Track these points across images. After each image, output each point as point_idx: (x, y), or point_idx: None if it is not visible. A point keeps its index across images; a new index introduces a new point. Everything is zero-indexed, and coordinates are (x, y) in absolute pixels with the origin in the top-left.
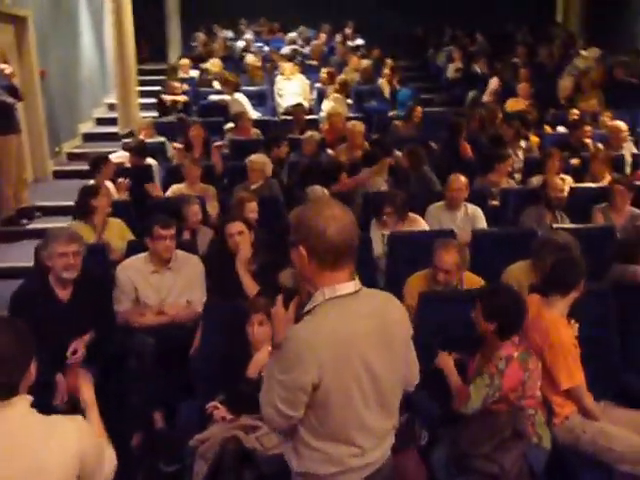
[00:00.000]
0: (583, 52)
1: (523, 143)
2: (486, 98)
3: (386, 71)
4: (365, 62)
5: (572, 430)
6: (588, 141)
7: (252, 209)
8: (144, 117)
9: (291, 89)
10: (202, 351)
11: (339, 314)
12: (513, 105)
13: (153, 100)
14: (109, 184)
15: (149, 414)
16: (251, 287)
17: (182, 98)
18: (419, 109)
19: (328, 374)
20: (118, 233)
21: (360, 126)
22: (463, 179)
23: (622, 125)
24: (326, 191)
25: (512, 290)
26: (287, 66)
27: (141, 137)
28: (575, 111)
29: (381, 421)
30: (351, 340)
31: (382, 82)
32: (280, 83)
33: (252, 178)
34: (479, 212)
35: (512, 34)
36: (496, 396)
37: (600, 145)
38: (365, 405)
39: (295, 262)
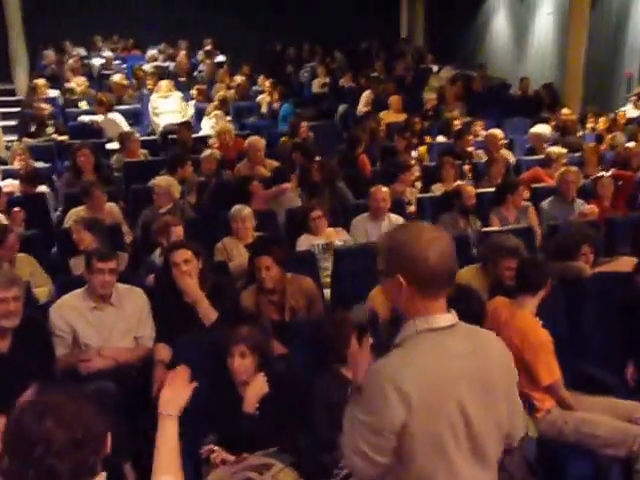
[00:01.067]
0: (431, 80)
1: (414, 153)
2: (364, 109)
3: (266, 86)
4: (239, 78)
5: (554, 422)
6: (471, 149)
7: (179, 234)
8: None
9: (168, 107)
10: None
11: (432, 350)
12: (387, 117)
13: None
14: (0, 216)
15: (119, 467)
16: (210, 314)
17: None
18: (305, 124)
19: (417, 416)
20: (28, 269)
21: (261, 142)
22: (385, 189)
23: (499, 133)
24: (249, 210)
25: (473, 293)
26: (163, 83)
27: (16, 163)
28: (457, 122)
29: (477, 473)
30: (445, 380)
31: (262, 98)
32: (156, 101)
33: (159, 202)
34: (402, 221)
35: (368, 50)
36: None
37: (480, 152)
38: (459, 454)
39: (387, 292)
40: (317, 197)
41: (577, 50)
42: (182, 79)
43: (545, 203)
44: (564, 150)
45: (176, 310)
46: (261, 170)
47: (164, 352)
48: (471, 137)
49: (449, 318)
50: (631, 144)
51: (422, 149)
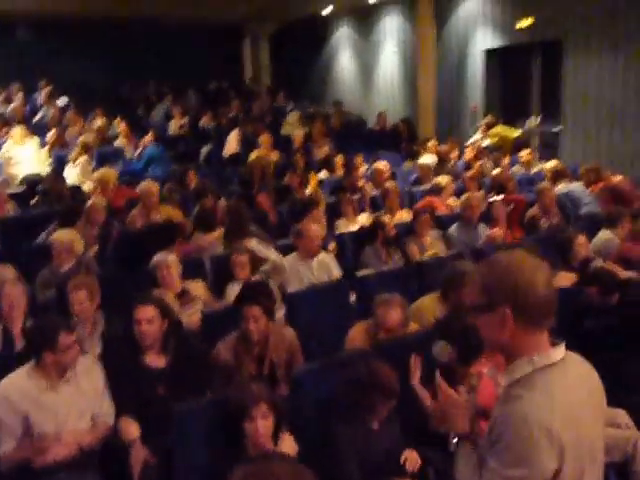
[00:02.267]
0: (289, 118)
1: (307, 190)
2: (232, 150)
3: (122, 129)
4: (99, 121)
5: None
6: (361, 183)
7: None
8: None
9: (24, 155)
10: (184, 472)
11: (561, 386)
12: (256, 156)
13: None
14: None
15: None
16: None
17: None
18: (193, 172)
19: (569, 459)
20: None
21: (155, 187)
22: (318, 227)
23: (384, 165)
24: (174, 256)
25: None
26: (17, 130)
27: None
28: (340, 157)
29: None
30: (581, 415)
31: (121, 141)
32: (10, 150)
33: (59, 259)
34: (330, 258)
35: (219, 89)
36: (473, 413)
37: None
38: None
39: (486, 329)
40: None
41: (426, 86)
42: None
43: (452, 229)
44: (449, 178)
45: (135, 377)
46: (156, 217)
47: (132, 428)
48: (361, 171)
49: (561, 351)
50: (497, 170)
51: (313, 185)
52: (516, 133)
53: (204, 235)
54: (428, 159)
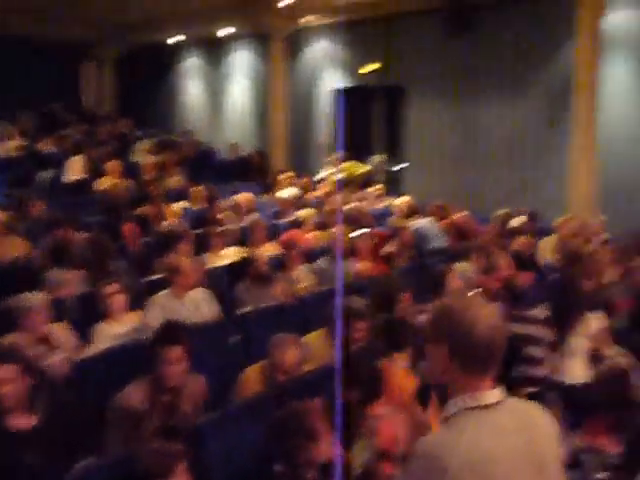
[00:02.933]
0: (139, 145)
1: (165, 222)
2: (77, 175)
3: None
4: None
5: None
6: (221, 216)
7: None
8: None
9: None
10: None
11: (480, 428)
12: (105, 184)
13: None
14: None
15: None
16: None
17: None
18: (40, 202)
19: None
20: None
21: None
22: (190, 262)
23: (247, 198)
24: (43, 297)
25: (365, 358)
26: None
27: None
28: (200, 188)
29: None
30: (493, 460)
31: None
32: None
33: None
34: (205, 294)
35: (54, 112)
36: (375, 456)
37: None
38: None
39: (431, 362)
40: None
41: (278, 120)
42: None
43: (321, 263)
44: (312, 211)
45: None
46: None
47: None
48: (223, 203)
49: (496, 395)
50: (352, 205)
51: (171, 216)
52: (364, 169)
53: (60, 272)
54: (288, 192)
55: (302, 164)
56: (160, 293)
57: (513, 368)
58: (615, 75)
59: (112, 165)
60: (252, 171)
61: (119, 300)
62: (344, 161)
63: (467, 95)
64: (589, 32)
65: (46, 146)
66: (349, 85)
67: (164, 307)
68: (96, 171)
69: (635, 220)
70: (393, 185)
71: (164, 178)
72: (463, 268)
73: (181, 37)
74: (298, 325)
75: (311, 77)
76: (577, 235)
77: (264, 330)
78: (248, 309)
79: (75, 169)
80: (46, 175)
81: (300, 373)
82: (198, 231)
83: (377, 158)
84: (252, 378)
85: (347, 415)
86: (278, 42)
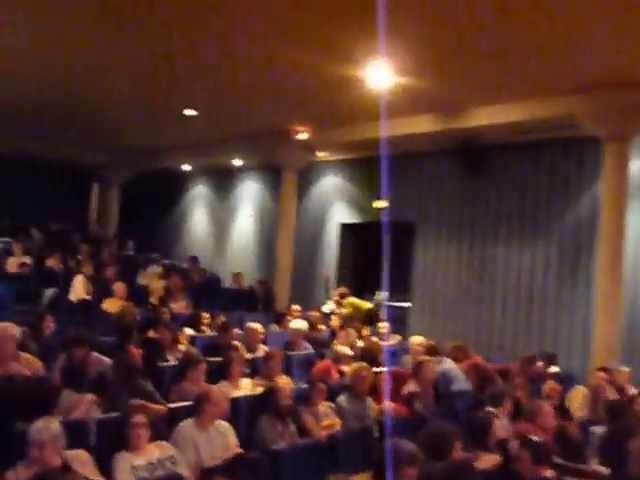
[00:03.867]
0: (150, 269)
1: (182, 347)
2: (81, 296)
3: None
4: None
5: None
6: (237, 343)
7: None
8: None
9: None
10: None
11: None
12: (111, 305)
13: None
14: None
15: None
16: None
17: None
18: (50, 318)
19: None
20: None
21: (14, 330)
22: (219, 391)
23: (259, 326)
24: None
25: None
26: None
27: None
28: (206, 315)
29: None
30: None
31: None
32: None
33: None
34: (227, 424)
35: (64, 232)
36: None
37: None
38: None
39: None
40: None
41: (285, 253)
42: None
43: (342, 400)
44: (350, 352)
45: None
46: (14, 368)
47: None
48: (236, 330)
49: None
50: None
51: (184, 342)
52: (368, 305)
53: (75, 394)
54: (299, 324)
55: (306, 297)
56: (184, 423)
57: None
58: (638, 222)
59: (118, 287)
60: (257, 301)
61: (144, 431)
62: (347, 296)
63: (480, 236)
64: (615, 178)
65: (54, 264)
66: (357, 220)
67: (188, 439)
68: (101, 292)
69: None
70: (398, 324)
71: (170, 303)
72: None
73: (190, 165)
74: (333, 464)
75: (320, 210)
76: (610, 385)
77: (299, 469)
78: (282, 446)
79: (78, 288)
80: (51, 293)
81: None
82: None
83: (380, 295)
84: None
85: None
86: (291, 174)
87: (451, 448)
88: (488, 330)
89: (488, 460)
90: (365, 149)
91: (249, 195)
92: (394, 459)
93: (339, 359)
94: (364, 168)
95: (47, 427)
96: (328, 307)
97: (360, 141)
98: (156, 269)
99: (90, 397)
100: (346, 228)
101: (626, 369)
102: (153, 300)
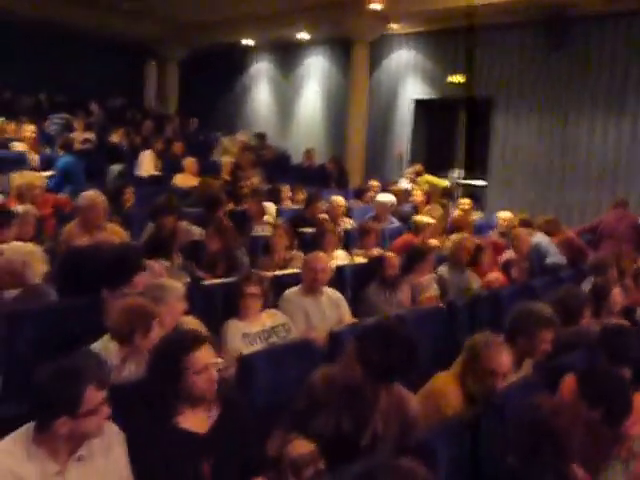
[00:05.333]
0: (226, 142)
1: (269, 218)
2: (147, 171)
3: (27, 133)
4: None
5: None
6: (323, 215)
7: None
8: None
9: None
10: None
11: None
12: (183, 181)
13: None
14: None
15: None
16: None
17: None
18: (131, 188)
19: None
20: None
21: (103, 200)
22: (324, 257)
23: (341, 200)
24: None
25: (611, 370)
26: None
27: None
28: (286, 187)
29: None
30: None
31: (19, 145)
32: None
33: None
34: (339, 295)
35: (123, 107)
36: None
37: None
38: None
39: None
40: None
41: (357, 130)
42: None
43: (443, 272)
44: (431, 220)
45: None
46: (101, 236)
47: None
48: (320, 204)
49: None
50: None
51: (272, 215)
52: (445, 183)
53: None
54: (387, 197)
55: (378, 175)
56: (290, 290)
57: None
58: None
59: (189, 162)
60: (329, 178)
61: (257, 301)
62: (423, 174)
63: (563, 113)
64: None
65: (118, 139)
66: (431, 96)
67: (297, 306)
68: (170, 167)
69: None
70: (475, 202)
71: (242, 178)
72: None
73: (252, 40)
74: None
75: (393, 86)
76: None
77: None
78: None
79: (146, 164)
80: (117, 168)
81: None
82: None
83: (456, 173)
84: (451, 390)
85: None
86: (362, 47)
87: (581, 314)
88: (568, 207)
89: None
90: (442, 20)
91: (316, 71)
92: (532, 323)
93: (421, 229)
94: (440, 41)
95: (174, 285)
96: (404, 184)
97: (438, 10)
98: (232, 144)
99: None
100: (420, 104)
101: None
102: (225, 176)
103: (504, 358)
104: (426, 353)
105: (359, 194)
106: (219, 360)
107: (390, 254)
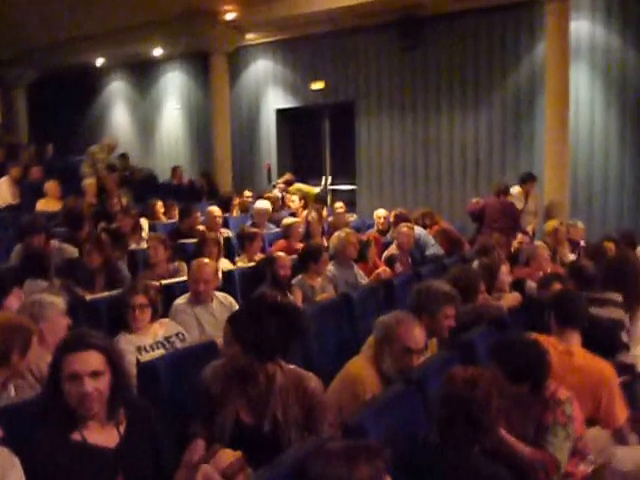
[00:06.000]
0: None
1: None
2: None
3: None
4: None
5: None
6: (200, 227)
7: None
8: None
9: None
10: None
11: None
12: (46, 205)
13: None
14: None
15: None
16: None
17: None
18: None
19: None
20: None
21: None
22: (210, 264)
23: (217, 210)
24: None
25: (528, 341)
26: None
27: None
28: (160, 203)
29: None
30: None
31: None
32: None
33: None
34: (231, 299)
35: None
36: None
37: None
38: None
39: None
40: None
41: (222, 144)
42: None
43: (330, 268)
44: (298, 219)
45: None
46: None
47: None
48: (199, 215)
49: None
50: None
51: (146, 229)
52: (315, 190)
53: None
54: (264, 204)
55: (248, 187)
56: (179, 300)
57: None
58: (581, 81)
59: (51, 186)
60: (201, 193)
61: (145, 311)
62: (293, 183)
63: (423, 109)
64: (557, 37)
65: None
66: (293, 105)
67: (189, 314)
68: (31, 193)
69: (604, 225)
70: (347, 205)
71: (110, 198)
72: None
73: (104, 59)
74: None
75: (254, 97)
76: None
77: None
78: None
79: (4, 192)
80: None
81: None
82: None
83: (325, 179)
84: (366, 375)
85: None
86: (220, 60)
87: (478, 290)
88: (437, 203)
89: (511, 298)
90: (298, 27)
91: (174, 87)
92: (433, 300)
93: (289, 231)
94: (298, 48)
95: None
96: (275, 194)
97: (292, 17)
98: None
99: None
100: (283, 113)
101: (581, 224)
102: (89, 199)
103: (418, 334)
104: (329, 347)
105: (226, 204)
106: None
107: (281, 254)
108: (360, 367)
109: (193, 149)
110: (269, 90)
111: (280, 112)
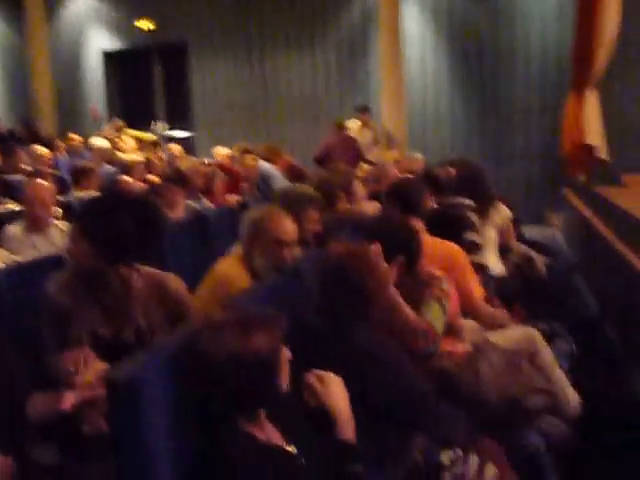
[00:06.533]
0: None
1: None
2: None
3: None
4: None
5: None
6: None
7: None
8: None
9: None
10: None
11: None
12: None
13: None
14: None
15: None
16: None
17: None
18: None
19: None
20: None
21: None
22: (46, 187)
23: (44, 150)
24: None
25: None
26: None
27: None
28: None
29: None
30: None
31: None
32: None
33: None
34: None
35: None
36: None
37: None
38: None
39: None
40: None
41: (43, 89)
42: None
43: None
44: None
45: None
46: None
47: None
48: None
49: None
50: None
51: None
52: (151, 137)
53: None
54: (101, 142)
55: (75, 132)
56: (11, 226)
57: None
58: (412, 18)
59: None
60: (23, 141)
61: None
62: (125, 129)
63: (259, 50)
64: None
65: None
66: (120, 47)
67: (24, 241)
68: None
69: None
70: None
71: None
72: None
73: None
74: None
75: (75, 38)
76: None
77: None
78: None
79: None
80: None
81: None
82: None
83: (159, 126)
84: (237, 273)
85: None
86: (34, 4)
87: (338, 197)
88: (279, 143)
89: (371, 206)
90: None
91: None
92: (298, 202)
93: (131, 167)
94: None
95: None
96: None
97: None
98: None
99: None
100: (110, 56)
101: (420, 155)
102: None
103: (288, 226)
104: (186, 268)
105: (48, 146)
106: None
107: (128, 178)
108: (229, 266)
109: (10, 96)
110: (92, 30)
111: (108, 55)
